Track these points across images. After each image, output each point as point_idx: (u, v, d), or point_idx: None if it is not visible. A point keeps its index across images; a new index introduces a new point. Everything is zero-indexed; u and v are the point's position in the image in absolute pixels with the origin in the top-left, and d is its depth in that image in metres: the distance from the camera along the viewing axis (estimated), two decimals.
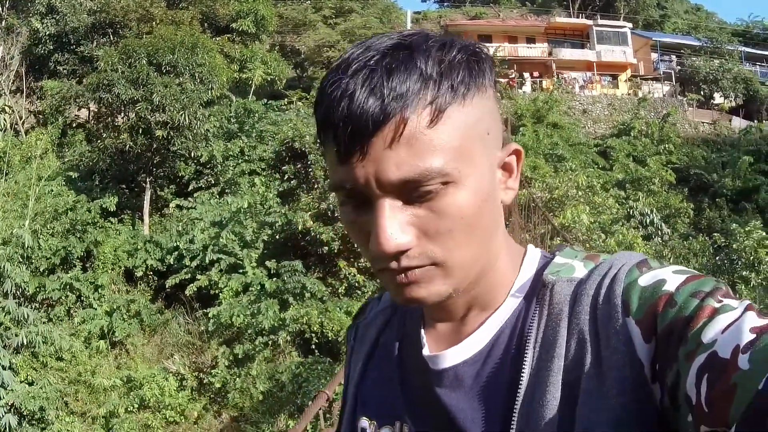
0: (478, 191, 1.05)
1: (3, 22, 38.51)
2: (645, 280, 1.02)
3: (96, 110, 32.00)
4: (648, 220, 25.93)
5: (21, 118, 34.23)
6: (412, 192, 1.00)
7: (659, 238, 25.04)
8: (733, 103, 48.57)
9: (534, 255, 1.24)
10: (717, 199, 33.13)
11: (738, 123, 45.19)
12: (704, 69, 48.29)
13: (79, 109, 33.98)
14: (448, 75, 1.01)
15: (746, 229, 21.56)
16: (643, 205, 27.33)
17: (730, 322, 0.88)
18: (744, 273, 20.66)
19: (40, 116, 35.65)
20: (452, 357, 1.17)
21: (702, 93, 47.75)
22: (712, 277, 0.99)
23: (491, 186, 1.10)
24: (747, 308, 0.90)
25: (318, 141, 1.11)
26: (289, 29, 45.40)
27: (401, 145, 0.97)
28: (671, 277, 1.00)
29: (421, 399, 1.22)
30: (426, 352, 1.22)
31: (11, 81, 36.12)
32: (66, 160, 29.08)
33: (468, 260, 1.07)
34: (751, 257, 20.68)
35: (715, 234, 24.69)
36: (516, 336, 1.13)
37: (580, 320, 1.06)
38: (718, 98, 48.79)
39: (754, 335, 0.84)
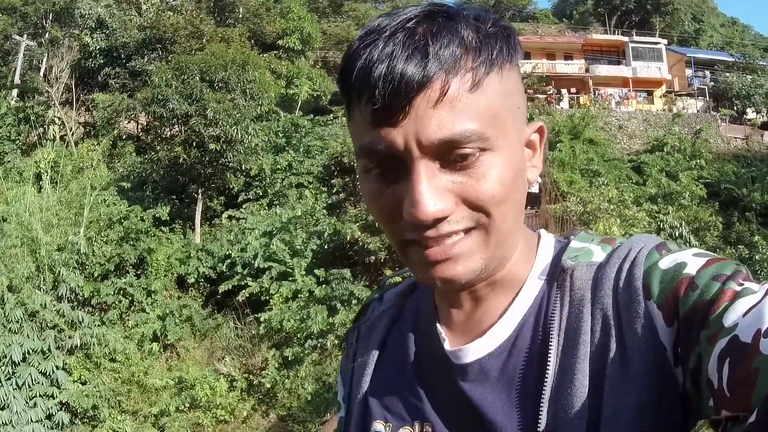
0: (513, 162, 1.08)
1: (47, 34, 39.74)
2: (665, 263, 1.05)
3: (146, 123, 33.02)
4: (677, 233, 26.56)
5: (71, 129, 34.81)
6: (449, 156, 1.01)
7: None
8: (765, 119, 48.65)
9: (549, 240, 1.27)
10: (746, 213, 33.37)
11: None
12: (737, 85, 48.40)
13: (128, 122, 34.99)
14: (487, 44, 1.04)
15: None
16: (673, 218, 27.85)
17: (752, 305, 0.89)
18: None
19: (89, 128, 36.39)
20: (476, 350, 1.17)
21: (735, 108, 47.73)
22: (732, 260, 1.02)
23: (522, 160, 1.13)
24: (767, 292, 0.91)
25: (345, 105, 1.13)
26: (331, 45, 45.83)
27: (443, 106, 0.99)
28: (692, 260, 1.03)
29: (445, 395, 1.21)
30: (447, 346, 1.21)
31: (60, 93, 36.88)
32: (117, 170, 29.72)
33: (506, 229, 1.09)
34: None
35: (740, 246, 25.30)
36: (540, 324, 1.14)
37: (602, 305, 1.07)
38: (750, 113, 48.79)
39: None
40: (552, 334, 1.09)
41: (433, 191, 0.99)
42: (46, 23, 40.28)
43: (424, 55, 0.97)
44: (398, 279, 1.55)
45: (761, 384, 0.80)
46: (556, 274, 1.16)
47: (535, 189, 29.68)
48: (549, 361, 1.07)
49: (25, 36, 39.92)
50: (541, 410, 1.05)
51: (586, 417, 1.00)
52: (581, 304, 1.09)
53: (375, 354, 1.38)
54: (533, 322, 1.14)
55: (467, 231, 1.05)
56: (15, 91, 37.65)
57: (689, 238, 26.23)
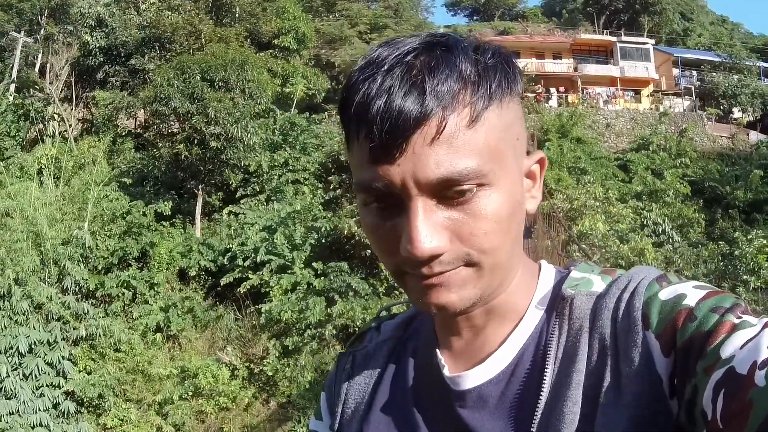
0: (511, 195, 1.07)
1: (42, 31, 40.07)
2: (665, 294, 1.05)
3: (144, 120, 33.66)
4: (660, 229, 27.31)
5: (70, 125, 35.29)
6: (447, 192, 1.00)
7: (670, 246, 26.49)
8: (751, 118, 49.09)
9: (549, 269, 1.27)
10: (730, 210, 34.04)
11: (755, 137, 45.63)
12: (723, 84, 48.82)
13: (127, 119, 35.59)
14: (485, 77, 1.03)
15: (748, 237, 23.02)
16: (656, 215, 28.50)
17: (749, 338, 0.89)
18: (745, 277, 21.84)
19: (88, 124, 37.01)
20: (475, 377, 1.17)
21: (721, 108, 48.19)
22: (731, 294, 1.01)
23: (521, 192, 1.12)
24: (766, 325, 0.91)
25: (344, 140, 1.12)
26: (324, 43, 46.32)
27: (441, 144, 0.98)
28: (691, 291, 1.03)
29: (443, 421, 1.21)
30: (447, 372, 1.21)
31: (60, 90, 37.42)
32: (117, 166, 30.35)
33: (499, 263, 1.09)
34: (752, 263, 21.93)
35: (720, 242, 26.01)
36: (540, 352, 1.14)
37: (600, 334, 1.07)
38: (736, 113, 49.29)
39: None
40: (548, 362, 1.11)
41: (429, 228, 1.00)
42: (41, 20, 40.46)
43: (422, 92, 0.97)
44: (395, 310, 1.58)
45: (754, 416, 0.81)
46: (556, 302, 1.17)
47: None
48: (543, 388, 1.08)
49: (22, 33, 40.22)
50: None
51: None
52: (579, 333, 1.10)
53: (372, 382, 1.38)
54: (533, 350, 1.15)
55: (458, 267, 1.05)
56: (12, 87, 38.00)
57: (672, 234, 26.94)
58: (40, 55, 40.76)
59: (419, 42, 1.03)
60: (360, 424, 1.33)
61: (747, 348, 0.87)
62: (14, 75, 39.14)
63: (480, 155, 1.00)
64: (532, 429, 1.06)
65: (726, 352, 0.89)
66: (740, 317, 0.94)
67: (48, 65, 39.70)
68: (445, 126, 0.97)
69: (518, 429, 1.10)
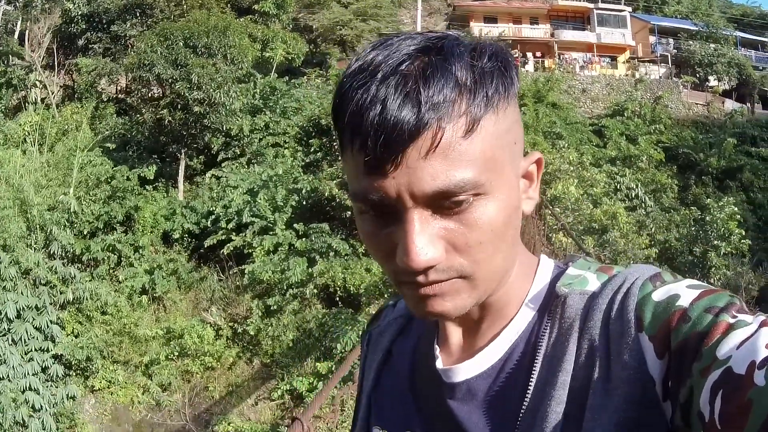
0: (507, 203, 1.05)
1: None
2: (658, 294, 1.03)
3: (126, 86, 33.87)
4: (633, 194, 27.88)
5: (52, 92, 35.27)
6: (442, 203, 1.00)
7: (642, 210, 27.03)
8: (727, 86, 49.34)
9: (547, 265, 1.26)
10: (703, 177, 34.77)
11: (731, 105, 46.03)
12: (699, 53, 49.16)
13: (109, 85, 35.80)
14: (482, 84, 1.00)
15: (719, 204, 23.55)
16: (630, 180, 29.24)
17: (745, 337, 0.88)
18: (716, 242, 22.59)
19: (70, 91, 36.94)
20: (466, 371, 1.18)
21: (697, 76, 48.41)
22: (726, 292, 1.01)
23: (517, 196, 1.11)
24: (762, 324, 0.91)
25: (338, 147, 1.10)
26: (302, 7, 46.10)
27: (437, 156, 0.96)
28: (685, 291, 1.01)
29: (433, 410, 1.23)
30: (439, 365, 1.22)
31: (41, 58, 37.29)
32: (100, 132, 30.38)
33: (495, 272, 1.09)
34: (722, 229, 22.60)
35: (692, 207, 26.53)
36: (529, 350, 1.14)
37: (591, 335, 1.06)
38: (712, 81, 49.40)
39: None
40: (537, 361, 1.11)
41: (425, 240, 1.00)
42: None
43: (417, 102, 0.95)
44: None
45: (755, 416, 0.80)
46: (550, 300, 1.17)
47: None
48: (529, 387, 1.09)
49: (2, 1, 39.95)
50: None
51: None
52: (568, 332, 1.09)
53: (380, 359, 1.41)
54: (523, 348, 1.15)
55: (452, 279, 1.05)
56: None
57: (644, 198, 27.51)
58: (19, 23, 40.46)
59: (414, 47, 1.01)
60: (368, 398, 1.39)
61: (744, 348, 0.88)
62: None
63: (476, 166, 1.00)
64: (516, 427, 1.09)
65: (722, 352, 0.89)
66: (735, 316, 0.94)
67: (28, 32, 39.60)
68: (441, 137, 0.97)
69: (503, 424, 1.12)
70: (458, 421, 1.17)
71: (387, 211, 1.02)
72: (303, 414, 5.54)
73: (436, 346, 1.25)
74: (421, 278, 1.02)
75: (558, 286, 1.15)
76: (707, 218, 23.70)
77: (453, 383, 1.18)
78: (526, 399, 1.08)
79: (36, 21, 39.60)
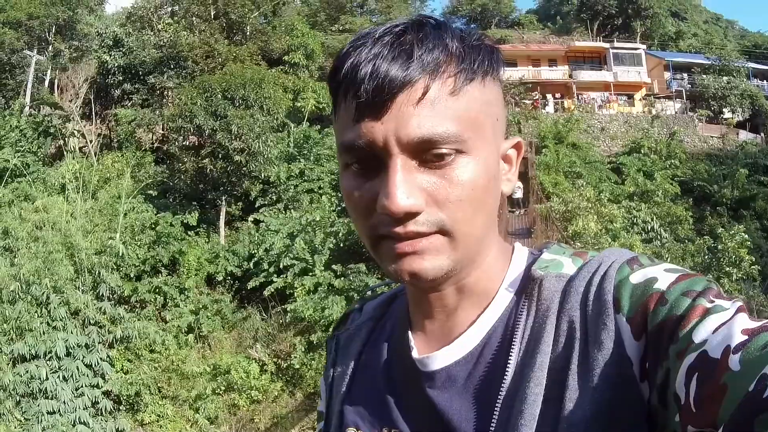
0: (488, 168, 1.09)
1: (50, 47, 41.59)
2: (636, 277, 1.05)
3: (162, 135, 35.18)
4: (649, 227, 28.97)
5: (91, 141, 36.34)
6: (426, 155, 1.03)
7: (658, 242, 28.13)
8: (741, 118, 49.85)
9: (522, 251, 1.27)
10: (718, 208, 35.70)
11: (745, 136, 46.71)
12: (713, 86, 49.60)
13: (146, 134, 37.02)
14: (470, 54, 1.07)
15: (730, 232, 24.50)
16: (645, 214, 30.24)
17: (722, 322, 0.89)
18: (728, 269, 23.42)
19: (107, 139, 37.99)
20: (443, 358, 1.18)
21: (711, 109, 48.96)
22: (703, 276, 1.01)
23: (497, 170, 1.15)
24: (739, 309, 0.92)
25: (332, 104, 1.15)
26: (328, 55, 45.86)
27: (424, 106, 1.01)
28: (662, 275, 1.03)
29: (413, 402, 1.23)
30: (415, 354, 1.22)
31: (78, 107, 38.57)
32: (140, 180, 31.35)
33: (473, 234, 1.10)
34: (733, 256, 23.50)
35: (706, 237, 27.48)
36: (507, 334, 1.14)
37: (569, 317, 1.07)
38: (726, 113, 49.86)
39: (746, 337, 0.85)
40: (514, 343, 1.11)
41: (407, 186, 1.01)
42: (49, 36, 41.74)
43: (409, 57, 1.02)
44: (378, 291, 1.59)
45: (728, 400, 0.80)
46: (527, 284, 1.17)
47: (518, 195, 32.19)
48: (507, 368, 1.10)
49: (35, 51, 41.20)
50: (494, 416, 1.09)
51: (536, 425, 1.02)
52: (546, 314, 1.10)
53: (352, 364, 1.40)
54: (501, 332, 1.16)
55: (432, 234, 1.06)
56: (28, 102, 39.09)
57: (660, 231, 28.61)
58: (49, 71, 41.98)
59: (410, 19, 1.10)
60: (341, 405, 1.36)
61: (720, 332, 0.88)
62: (29, 92, 40.20)
63: (460, 122, 1.04)
64: (495, 409, 1.09)
65: (698, 336, 0.90)
66: (713, 301, 0.94)
67: (57, 81, 41.43)
68: (428, 91, 1.02)
69: (483, 408, 1.12)
70: (439, 410, 1.17)
71: (372, 164, 1.06)
72: None
73: (410, 336, 1.26)
74: (399, 229, 1.04)
75: (534, 269, 1.17)
76: (719, 246, 24.48)
77: (431, 371, 1.19)
78: (504, 381, 1.09)
79: (64, 70, 41.22)
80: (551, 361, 1.05)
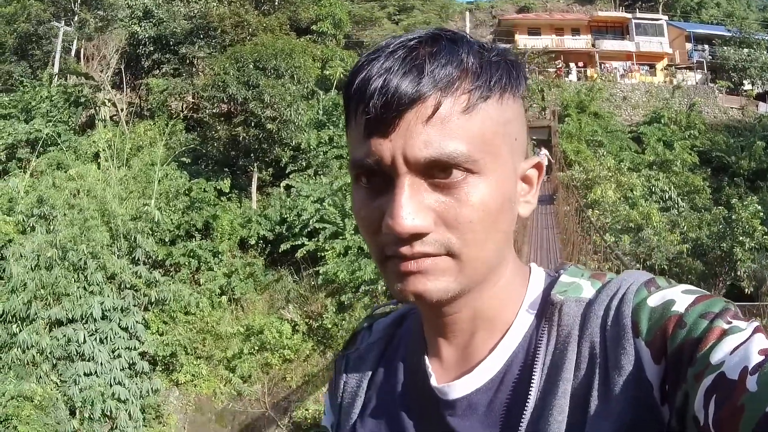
0: (502, 190, 1.06)
1: (75, 18, 42.04)
2: (654, 300, 1.04)
3: (192, 103, 36.07)
4: (667, 196, 29.70)
5: (122, 110, 36.95)
6: (435, 175, 1.01)
7: (675, 211, 28.94)
8: (760, 90, 49.96)
9: (539, 273, 1.25)
10: (735, 179, 36.19)
11: (765, 108, 46.58)
12: (734, 58, 49.84)
13: (177, 102, 37.60)
14: (488, 71, 1.05)
15: (744, 203, 25.24)
16: (663, 183, 31.13)
17: (739, 343, 0.89)
18: (741, 238, 24.30)
19: (137, 109, 38.63)
20: (464, 386, 1.15)
21: (731, 80, 49.08)
22: (721, 298, 1.01)
23: (513, 191, 1.11)
24: (755, 330, 0.91)
25: (345, 120, 1.12)
26: (354, 24, 47.52)
27: (433, 125, 0.99)
28: (680, 297, 1.02)
29: (432, 428, 1.20)
30: (434, 383, 1.19)
31: (108, 77, 39.17)
32: (171, 147, 32.12)
33: (483, 258, 1.08)
34: (747, 226, 24.32)
35: (720, 207, 28.21)
36: (528, 359, 1.12)
37: (590, 342, 1.06)
38: (747, 85, 50.10)
39: (763, 357, 0.84)
40: (535, 369, 1.09)
41: (413, 206, 1.00)
42: (74, 6, 42.23)
43: (420, 73, 1.00)
44: (387, 309, 1.53)
45: (746, 421, 0.79)
46: (546, 308, 1.15)
47: (545, 162, 33.24)
48: (529, 397, 1.07)
49: (62, 22, 41.44)
50: None
51: None
52: (567, 340, 1.09)
53: (364, 385, 1.37)
54: (522, 358, 1.14)
55: (439, 255, 1.04)
56: (56, 73, 39.62)
57: (677, 200, 29.33)
58: (75, 41, 42.45)
59: (426, 33, 1.07)
60: (352, 427, 1.33)
61: (737, 353, 0.87)
62: (57, 63, 40.63)
63: (472, 142, 1.01)
64: None
65: (716, 357, 0.89)
66: (730, 322, 0.94)
67: (88, 52, 42.06)
68: (439, 108, 1.00)
69: None
70: None
71: (381, 182, 1.05)
72: None
73: (428, 363, 1.23)
74: (405, 249, 1.03)
75: (553, 293, 1.15)
76: (733, 216, 25.20)
77: (452, 400, 1.16)
78: (526, 409, 1.07)
79: (90, 39, 41.88)
80: (573, 387, 1.05)
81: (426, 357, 1.24)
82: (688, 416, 0.91)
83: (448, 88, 1.00)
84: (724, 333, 0.91)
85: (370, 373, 1.37)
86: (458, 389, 1.15)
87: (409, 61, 1.00)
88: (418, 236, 1.01)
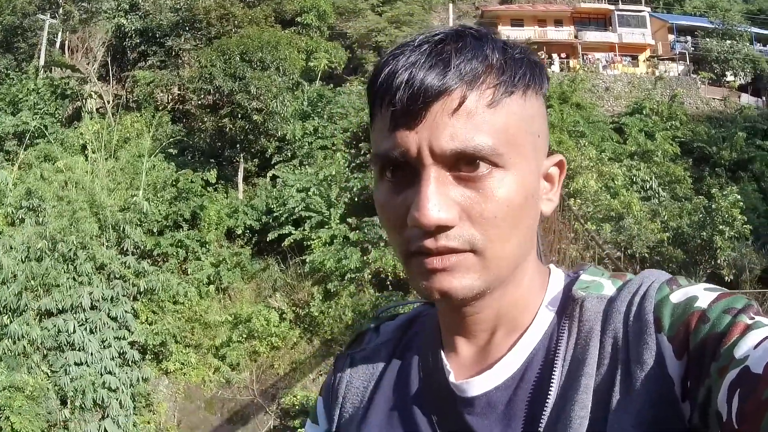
0: (525, 185, 1.06)
1: (60, 10, 42.12)
2: (676, 297, 1.04)
3: (178, 95, 36.24)
4: (648, 186, 30.08)
5: (108, 102, 36.77)
6: (461, 168, 1.01)
7: (656, 200, 29.35)
8: (743, 81, 49.97)
9: (558, 273, 1.25)
10: (716, 169, 36.19)
11: (746, 99, 46.82)
12: (716, 50, 49.88)
13: (162, 94, 37.71)
14: (511, 67, 1.05)
15: (723, 193, 25.69)
16: (644, 173, 31.47)
17: (763, 338, 0.88)
18: (721, 227, 24.76)
19: (123, 101, 38.14)
20: (482, 384, 1.14)
21: (714, 72, 48.97)
22: (743, 295, 1.00)
23: (536, 188, 1.11)
24: None
25: (369, 116, 1.14)
26: (337, 15, 46.76)
27: (459, 118, 0.99)
28: (703, 294, 1.02)
29: (449, 427, 1.18)
30: (452, 379, 1.18)
31: (95, 70, 39.26)
32: (158, 139, 32.04)
33: (507, 255, 1.07)
34: (727, 215, 24.79)
35: (701, 196, 28.70)
36: (549, 356, 1.12)
37: (613, 338, 1.06)
38: (729, 76, 49.98)
39: None
40: (556, 366, 1.09)
41: (439, 198, 0.99)
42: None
43: (446, 66, 1.00)
44: (394, 312, 1.53)
45: None
46: (567, 305, 1.15)
47: None
48: (550, 392, 1.07)
49: (48, 15, 41.56)
50: None
51: None
52: (589, 336, 1.08)
53: (371, 386, 1.35)
54: (543, 354, 1.13)
55: (464, 252, 1.04)
56: (42, 65, 39.51)
57: (658, 190, 29.70)
58: (59, 34, 42.67)
59: (451, 29, 1.08)
60: (358, 427, 1.31)
61: (761, 348, 0.87)
62: (42, 55, 40.66)
63: (497, 136, 1.01)
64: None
65: (740, 352, 0.88)
66: (753, 318, 0.94)
67: (72, 44, 42.10)
68: (465, 101, 1.00)
69: None
70: None
71: (406, 175, 1.04)
72: None
73: (446, 361, 1.22)
74: (430, 242, 1.02)
75: (575, 290, 1.15)
76: (714, 206, 25.61)
77: (470, 397, 1.15)
78: (546, 405, 1.07)
79: (74, 31, 41.86)
80: (596, 383, 1.04)
81: (442, 353, 1.23)
82: (711, 411, 0.92)
83: (473, 82, 1.01)
84: (748, 328, 0.92)
85: (378, 372, 1.36)
86: (477, 386, 1.15)
87: (435, 55, 1.02)
88: (443, 229, 1.01)
